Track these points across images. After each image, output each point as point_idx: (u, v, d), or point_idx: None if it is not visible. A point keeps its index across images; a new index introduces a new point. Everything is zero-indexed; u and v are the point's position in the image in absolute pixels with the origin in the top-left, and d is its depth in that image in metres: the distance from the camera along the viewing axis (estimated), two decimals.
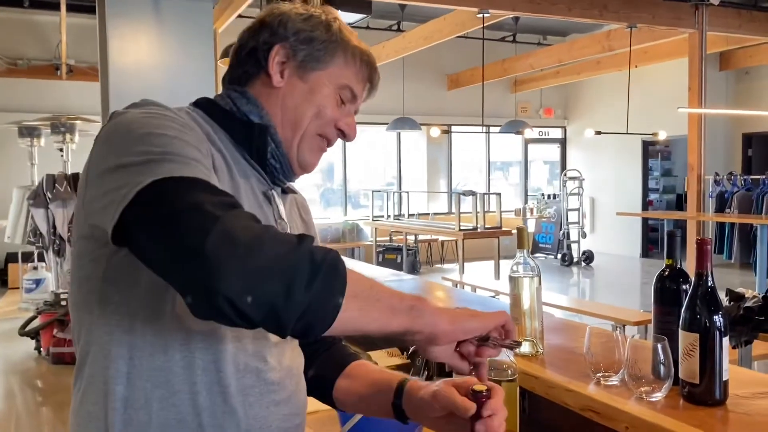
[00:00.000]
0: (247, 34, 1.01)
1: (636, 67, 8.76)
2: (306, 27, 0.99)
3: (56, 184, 5.52)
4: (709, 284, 1.11)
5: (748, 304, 3.03)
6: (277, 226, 0.96)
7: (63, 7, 6.34)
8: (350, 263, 0.80)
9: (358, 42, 1.02)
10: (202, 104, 0.99)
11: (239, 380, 0.87)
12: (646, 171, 11.80)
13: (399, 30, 9.14)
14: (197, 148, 0.82)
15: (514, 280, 1.41)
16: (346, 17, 6.36)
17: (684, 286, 1.17)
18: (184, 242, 0.69)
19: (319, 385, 1.08)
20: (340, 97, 1.00)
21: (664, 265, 1.20)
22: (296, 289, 0.69)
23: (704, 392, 1.11)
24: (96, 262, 0.85)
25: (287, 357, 0.95)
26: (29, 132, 6.69)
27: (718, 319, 1.10)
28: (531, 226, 11.93)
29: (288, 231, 0.99)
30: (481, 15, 6.38)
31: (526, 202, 12.70)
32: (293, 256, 0.70)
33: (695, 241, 1.10)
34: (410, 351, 1.71)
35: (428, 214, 11.43)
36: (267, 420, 0.90)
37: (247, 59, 1.00)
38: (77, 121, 6.43)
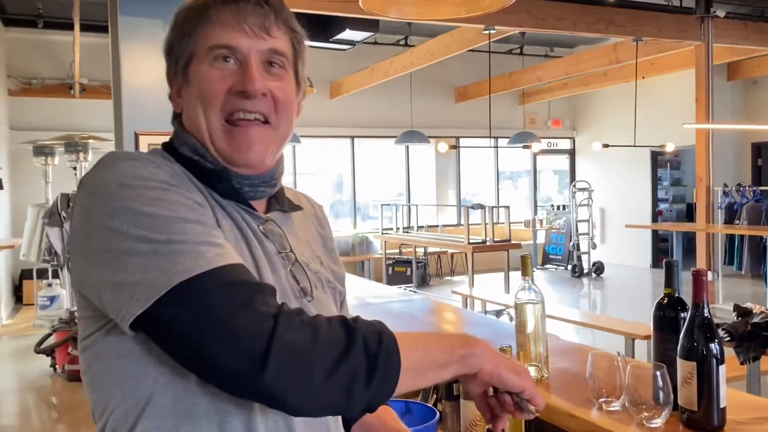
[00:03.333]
0: None
1: (643, 78, 8.79)
2: (165, 44, 0.94)
3: (70, 203, 5.62)
4: (705, 314, 1.14)
5: (756, 319, 3.05)
6: (280, 260, 0.92)
7: (77, 28, 6.48)
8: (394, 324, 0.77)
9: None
10: (171, 151, 0.93)
11: None
12: (656, 181, 11.79)
13: (407, 45, 9.21)
14: (195, 216, 0.79)
15: (518, 307, 1.45)
16: (354, 35, 6.45)
17: (682, 314, 1.21)
18: (237, 371, 0.70)
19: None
20: (220, 60, 0.87)
21: (663, 294, 1.24)
22: (356, 392, 0.73)
23: (702, 419, 1.14)
24: (104, 339, 0.81)
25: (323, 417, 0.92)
26: (43, 151, 6.84)
27: (714, 347, 1.14)
28: (541, 237, 11.93)
29: (295, 261, 0.94)
30: (487, 32, 6.44)
31: (535, 213, 12.71)
32: (348, 359, 0.72)
33: (691, 272, 1.14)
34: None
35: (437, 226, 11.47)
36: None
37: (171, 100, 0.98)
38: (90, 140, 6.56)
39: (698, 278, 1.15)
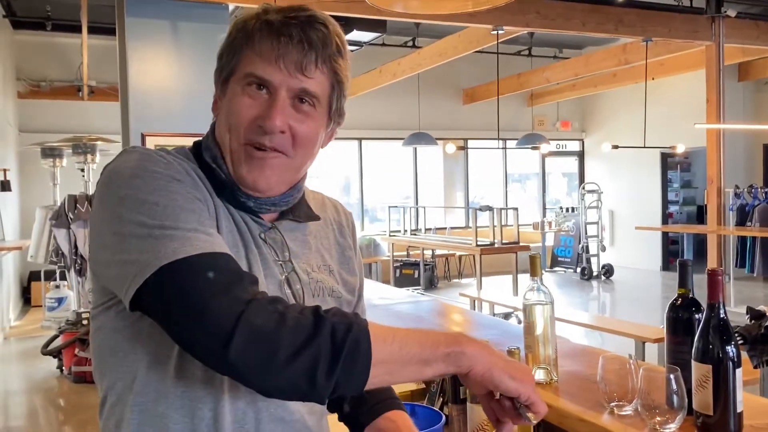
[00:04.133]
0: None
1: (653, 79, 8.72)
2: (219, 49, 0.95)
3: (77, 205, 5.64)
4: (721, 315, 1.10)
5: None
6: (277, 267, 0.95)
7: (84, 30, 6.49)
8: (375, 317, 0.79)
9: (266, 17, 0.90)
10: (196, 150, 0.97)
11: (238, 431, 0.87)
12: (666, 183, 11.70)
13: (414, 46, 9.19)
14: (192, 206, 0.84)
15: (527, 308, 1.41)
16: (362, 36, 6.43)
17: (697, 316, 1.17)
18: (207, 346, 0.76)
19: (351, 425, 1.09)
20: (253, 88, 0.90)
21: (677, 294, 1.20)
22: (318, 378, 0.75)
23: (718, 424, 1.10)
24: (105, 313, 0.90)
25: (296, 410, 0.92)
26: (52, 153, 6.87)
27: (731, 350, 1.10)
28: (549, 240, 11.86)
29: (292, 270, 0.97)
30: (495, 32, 6.40)
31: (544, 215, 12.64)
32: (312, 345, 0.75)
33: (706, 272, 1.10)
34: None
35: (445, 228, 11.42)
36: None
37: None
38: (98, 142, 6.58)
39: (713, 278, 1.10)
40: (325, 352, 0.75)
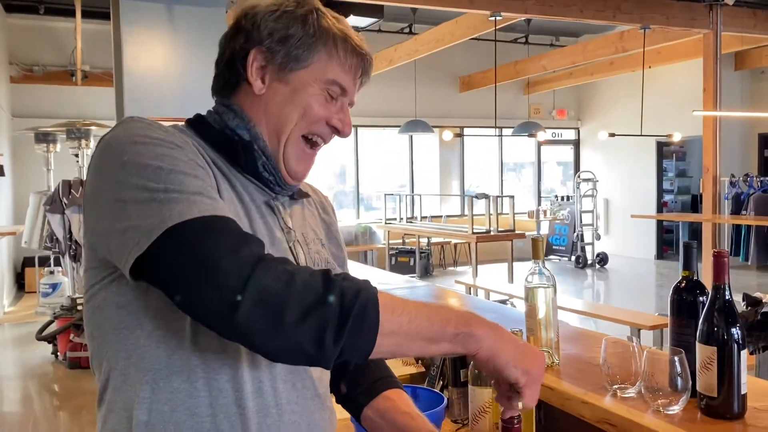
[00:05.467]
0: (224, 41, 0.98)
1: (650, 67, 8.70)
2: (279, 26, 0.94)
3: (72, 190, 5.60)
4: (727, 297, 1.10)
5: (766, 309, 3.01)
6: (282, 236, 0.96)
7: (78, 14, 6.43)
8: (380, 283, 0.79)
9: (342, 29, 0.97)
10: (194, 123, 0.98)
11: (257, 401, 0.86)
12: (661, 172, 11.72)
13: (411, 33, 9.13)
14: (194, 172, 0.83)
15: (529, 291, 1.40)
16: (358, 21, 6.37)
17: (701, 298, 1.16)
18: (215, 308, 0.73)
19: (349, 406, 1.09)
20: (328, 93, 0.96)
21: (681, 277, 1.19)
22: (326, 341, 0.73)
23: (722, 406, 1.10)
24: (105, 289, 0.86)
25: (308, 377, 0.93)
26: (45, 138, 6.81)
27: (735, 332, 1.09)
28: (544, 228, 11.87)
29: (296, 240, 0.99)
30: (493, 18, 6.36)
31: (539, 203, 12.64)
32: (321, 307, 0.73)
33: (712, 254, 1.10)
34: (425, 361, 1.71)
35: (441, 216, 11.41)
36: None
37: (227, 68, 0.97)
38: (92, 127, 6.53)
39: (719, 259, 1.10)
40: (334, 316, 0.73)
